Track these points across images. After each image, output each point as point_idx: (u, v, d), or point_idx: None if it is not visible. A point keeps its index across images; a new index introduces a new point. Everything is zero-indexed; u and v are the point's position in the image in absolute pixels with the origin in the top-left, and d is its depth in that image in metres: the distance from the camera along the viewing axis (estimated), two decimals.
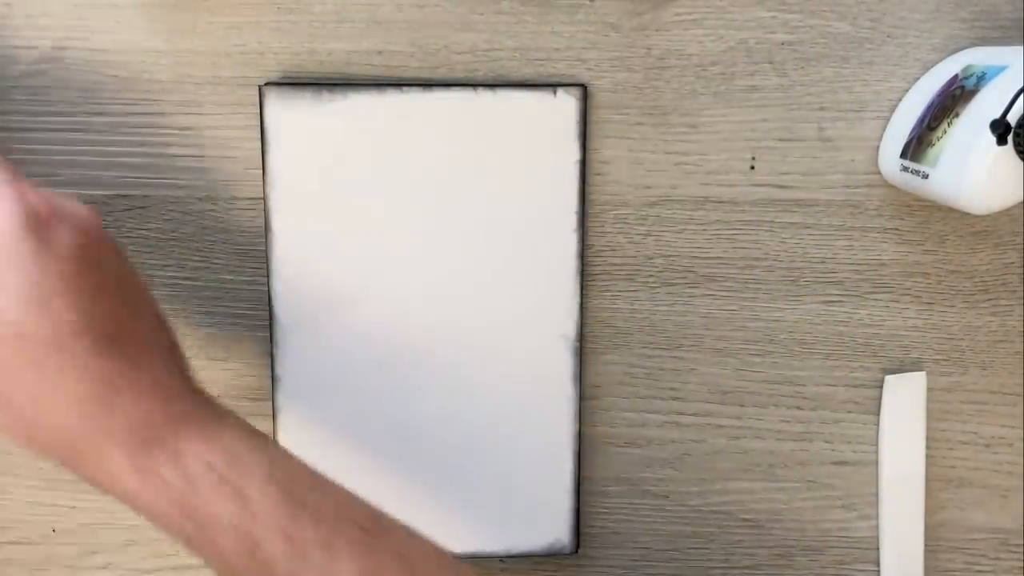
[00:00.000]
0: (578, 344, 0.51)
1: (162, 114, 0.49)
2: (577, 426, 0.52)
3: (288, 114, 0.48)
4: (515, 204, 0.49)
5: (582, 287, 0.50)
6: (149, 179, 0.49)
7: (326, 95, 0.48)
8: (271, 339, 0.50)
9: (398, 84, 0.48)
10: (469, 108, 0.48)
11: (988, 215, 0.43)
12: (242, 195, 0.50)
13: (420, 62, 0.49)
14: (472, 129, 0.48)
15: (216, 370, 0.51)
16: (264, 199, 0.49)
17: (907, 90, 0.49)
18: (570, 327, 0.51)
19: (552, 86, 0.48)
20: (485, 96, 0.48)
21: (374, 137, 0.48)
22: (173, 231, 0.50)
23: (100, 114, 0.49)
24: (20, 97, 0.48)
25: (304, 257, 0.49)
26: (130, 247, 0.50)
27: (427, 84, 0.48)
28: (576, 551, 0.53)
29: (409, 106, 0.48)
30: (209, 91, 0.48)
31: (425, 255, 0.50)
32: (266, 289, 0.50)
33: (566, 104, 0.48)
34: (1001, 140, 0.40)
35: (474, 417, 0.51)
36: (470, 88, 0.48)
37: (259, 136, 0.48)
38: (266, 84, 0.48)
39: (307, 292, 0.50)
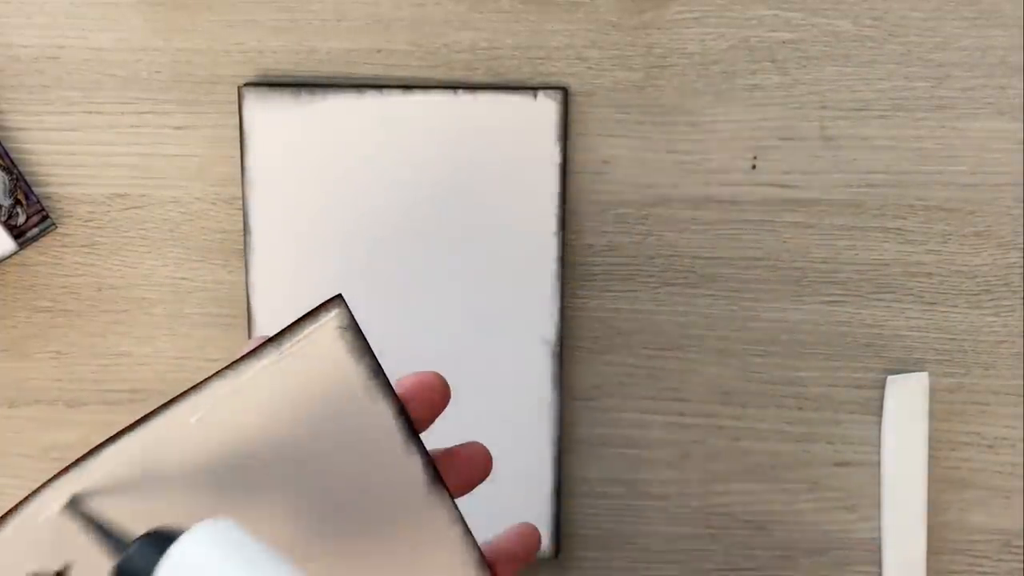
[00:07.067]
0: (558, 347, 0.50)
1: (161, 113, 0.49)
2: (558, 430, 0.51)
3: (267, 115, 0.47)
4: (495, 207, 0.49)
5: (562, 291, 0.50)
6: (148, 179, 0.49)
7: (305, 96, 0.47)
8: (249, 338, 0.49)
9: (379, 86, 0.48)
10: (450, 110, 0.48)
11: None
12: (242, 195, 0.50)
13: (420, 61, 0.48)
14: (453, 131, 0.48)
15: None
16: (243, 200, 0.48)
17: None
18: (549, 330, 0.50)
19: (533, 88, 0.48)
20: (465, 98, 0.48)
21: (354, 139, 0.48)
22: (171, 231, 0.50)
23: (99, 114, 0.49)
24: (20, 97, 0.48)
25: (282, 258, 0.49)
26: (128, 247, 0.50)
27: (423, 85, 0.48)
28: (557, 555, 0.53)
29: (389, 108, 0.48)
30: (208, 90, 0.48)
31: (404, 258, 0.49)
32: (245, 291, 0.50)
33: (547, 107, 0.48)
34: None
35: (455, 419, 0.51)
36: (450, 90, 0.48)
37: (238, 136, 0.48)
38: (245, 84, 0.47)
39: (285, 293, 0.49)
